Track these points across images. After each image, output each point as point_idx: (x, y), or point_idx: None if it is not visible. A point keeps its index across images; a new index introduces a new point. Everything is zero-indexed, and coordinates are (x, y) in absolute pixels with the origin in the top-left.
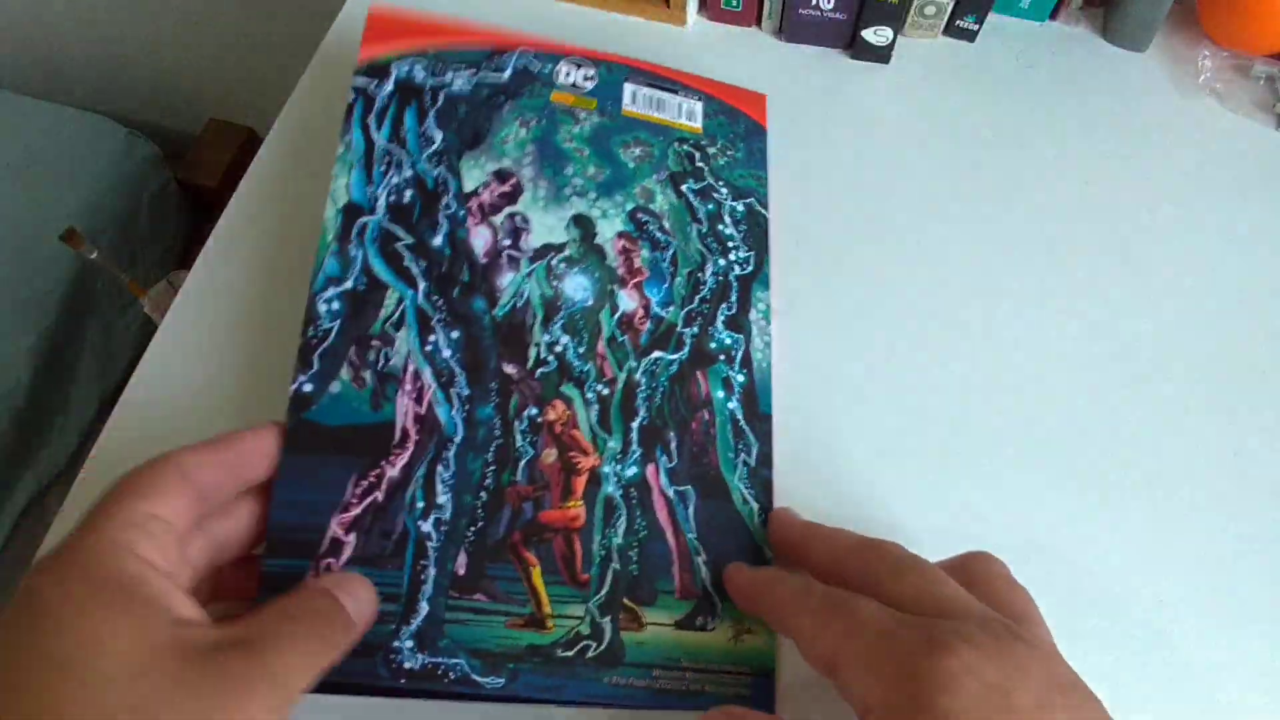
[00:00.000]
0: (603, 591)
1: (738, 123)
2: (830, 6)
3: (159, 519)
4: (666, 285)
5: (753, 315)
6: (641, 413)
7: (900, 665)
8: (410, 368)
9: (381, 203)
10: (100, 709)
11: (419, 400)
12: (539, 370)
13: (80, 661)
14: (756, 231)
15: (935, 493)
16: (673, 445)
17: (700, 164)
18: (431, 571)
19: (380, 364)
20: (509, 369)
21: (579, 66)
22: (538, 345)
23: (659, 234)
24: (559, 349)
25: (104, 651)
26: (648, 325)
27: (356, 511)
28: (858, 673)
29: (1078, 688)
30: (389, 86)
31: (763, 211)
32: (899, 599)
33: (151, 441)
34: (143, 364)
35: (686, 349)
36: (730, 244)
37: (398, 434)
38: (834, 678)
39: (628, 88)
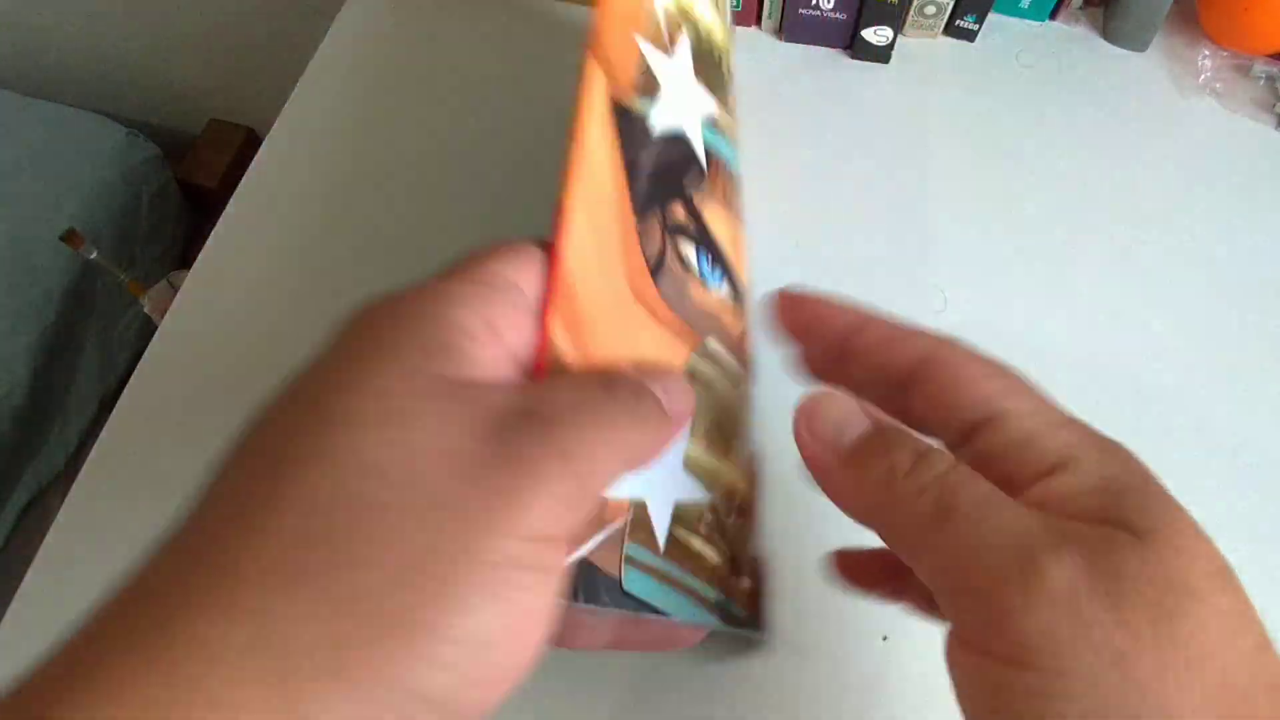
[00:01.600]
0: None
1: None
2: (830, 6)
3: (521, 291)
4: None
5: None
6: None
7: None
8: None
9: None
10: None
11: None
12: None
13: (359, 409)
14: None
15: None
16: None
17: None
18: None
19: None
20: None
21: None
22: None
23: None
24: None
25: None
26: None
27: None
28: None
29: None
30: None
31: None
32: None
33: (151, 441)
34: (143, 364)
35: None
36: None
37: None
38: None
39: None
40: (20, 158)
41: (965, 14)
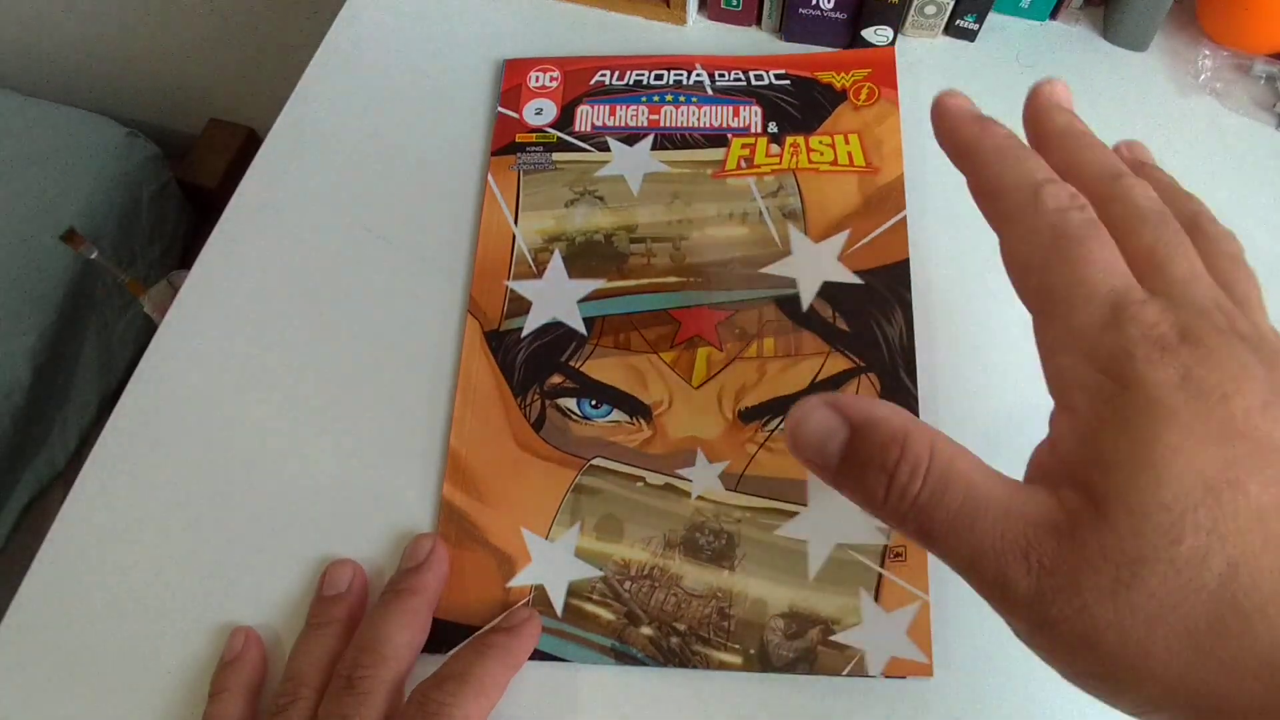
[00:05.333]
0: None
1: None
2: (830, 6)
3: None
4: None
5: None
6: None
7: (1114, 359)
8: None
9: None
10: None
11: None
12: None
13: None
14: None
15: None
16: None
17: None
18: None
19: None
20: None
21: None
22: None
23: None
24: None
25: None
26: None
27: None
28: (1065, 337)
29: None
30: None
31: None
32: (1128, 252)
33: (151, 441)
34: (143, 364)
35: None
36: None
37: None
38: (1034, 316)
39: None
40: (20, 158)
41: (965, 14)
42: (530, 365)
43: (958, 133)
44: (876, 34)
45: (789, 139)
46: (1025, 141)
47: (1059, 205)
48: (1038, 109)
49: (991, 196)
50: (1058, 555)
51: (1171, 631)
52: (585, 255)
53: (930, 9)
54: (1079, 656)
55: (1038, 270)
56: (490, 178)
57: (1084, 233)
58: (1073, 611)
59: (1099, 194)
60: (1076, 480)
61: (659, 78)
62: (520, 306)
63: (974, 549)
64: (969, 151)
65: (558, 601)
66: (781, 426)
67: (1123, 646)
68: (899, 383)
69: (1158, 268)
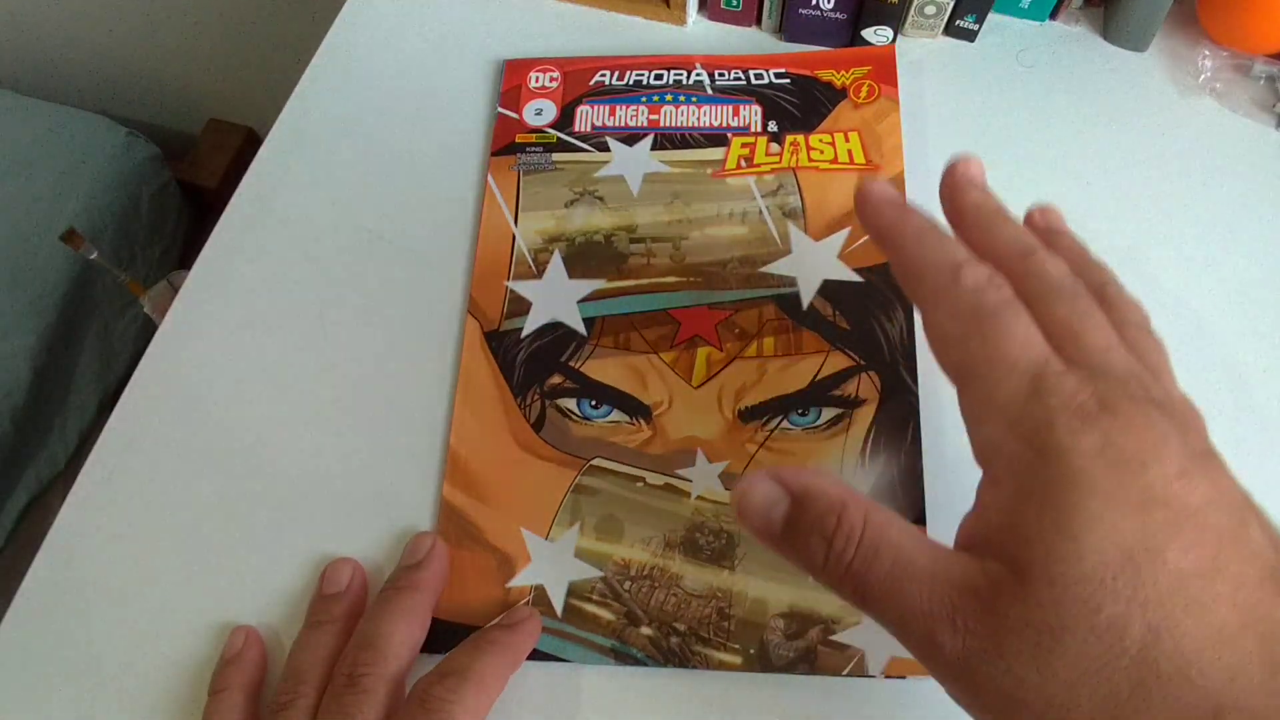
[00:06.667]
0: None
1: None
2: (830, 6)
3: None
4: None
5: None
6: None
7: (1036, 430)
8: None
9: None
10: None
11: None
12: None
13: None
14: None
15: None
16: None
17: None
18: None
19: None
20: None
21: None
22: None
23: None
24: None
25: None
26: None
27: None
28: (988, 409)
29: (1212, 455)
30: None
31: None
32: (1044, 324)
33: (151, 441)
34: (143, 364)
35: None
36: None
37: None
38: (958, 389)
39: None
40: (20, 158)
41: (965, 14)
42: (530, 365)
43: (880, 217)
44: (876, 34)
45: (789, 137)
46: (944, 221)
47: (977, 284)
48: (953, 187)
49: (913, 277)
50: (982, 620)
51: (1094, 695)
52: (585, 255)
53: (930, 9)
54: (1006, 717)
55: (957, 344)
56: (490, 178)
57: (1001, 308)
58: (998, 673)
59: (1014, 270)
60: (1001, 549)
61: (659, 78)
62: (520, 307)
63: (903, 610)
64: (890, 235)
65: (558, 601)
66: (783, 426)
67: (1046, 709)
68: (899, 380)
69: (1074, 339)
